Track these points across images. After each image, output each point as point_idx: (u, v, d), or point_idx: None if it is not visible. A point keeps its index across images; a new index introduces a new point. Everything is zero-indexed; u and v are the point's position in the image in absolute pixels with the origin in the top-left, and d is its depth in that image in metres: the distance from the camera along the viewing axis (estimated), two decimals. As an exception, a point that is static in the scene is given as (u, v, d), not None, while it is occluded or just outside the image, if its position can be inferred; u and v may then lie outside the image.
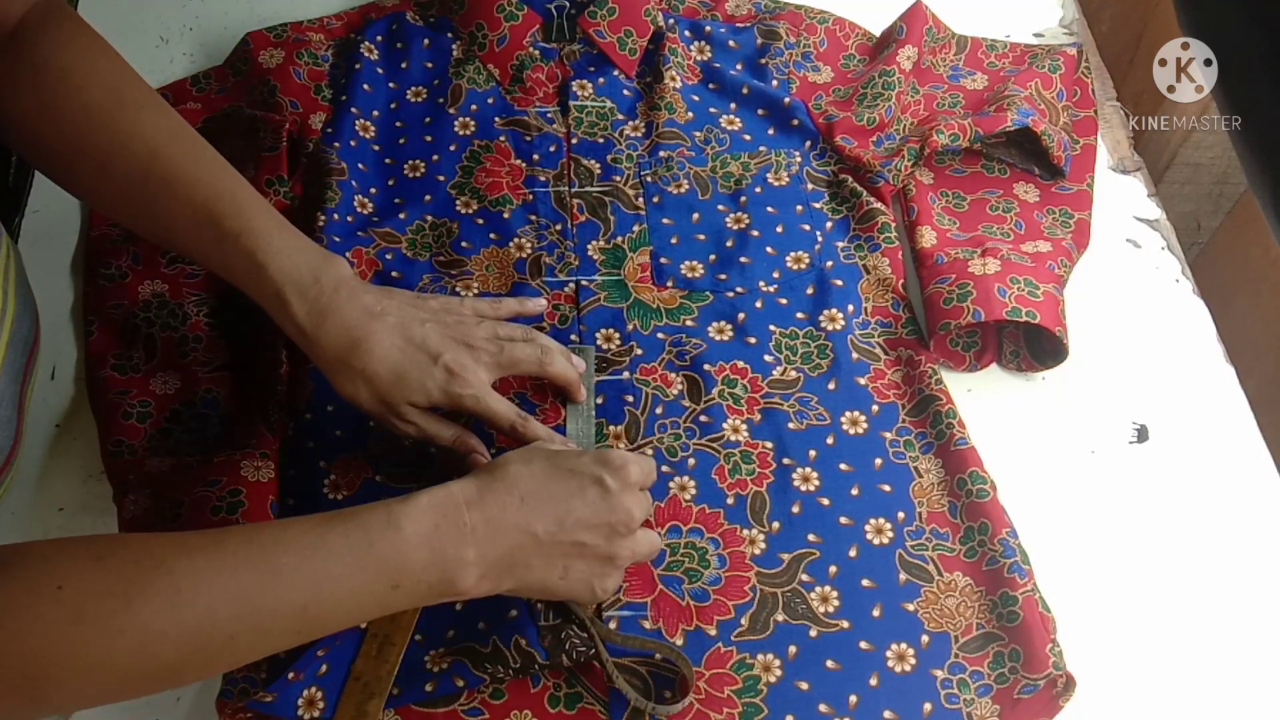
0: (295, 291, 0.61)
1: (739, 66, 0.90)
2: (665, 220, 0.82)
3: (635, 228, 0.81)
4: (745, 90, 0.88)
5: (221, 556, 0.50)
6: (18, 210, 0.83)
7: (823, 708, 0.62)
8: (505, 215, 0.81)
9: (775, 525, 0.68)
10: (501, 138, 0.85)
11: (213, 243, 0.61)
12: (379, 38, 0.90)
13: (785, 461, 0.70)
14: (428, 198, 0.82)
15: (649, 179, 0.83)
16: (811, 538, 0.68)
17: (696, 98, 0.88)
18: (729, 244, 0.80)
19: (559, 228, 0.81)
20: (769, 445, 0.71)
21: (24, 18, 0.63)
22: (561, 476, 0.58)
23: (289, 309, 0.61)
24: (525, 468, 0.58)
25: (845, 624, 0.65)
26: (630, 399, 0.73)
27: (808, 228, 0.81)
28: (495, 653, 0.61)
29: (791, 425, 0.72)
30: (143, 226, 0.66)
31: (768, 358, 0.75)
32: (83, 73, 0.62)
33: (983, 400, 0.75)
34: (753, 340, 0.76)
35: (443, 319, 0.66)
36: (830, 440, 0.72)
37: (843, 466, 0.71)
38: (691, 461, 0.70)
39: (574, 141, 0.85)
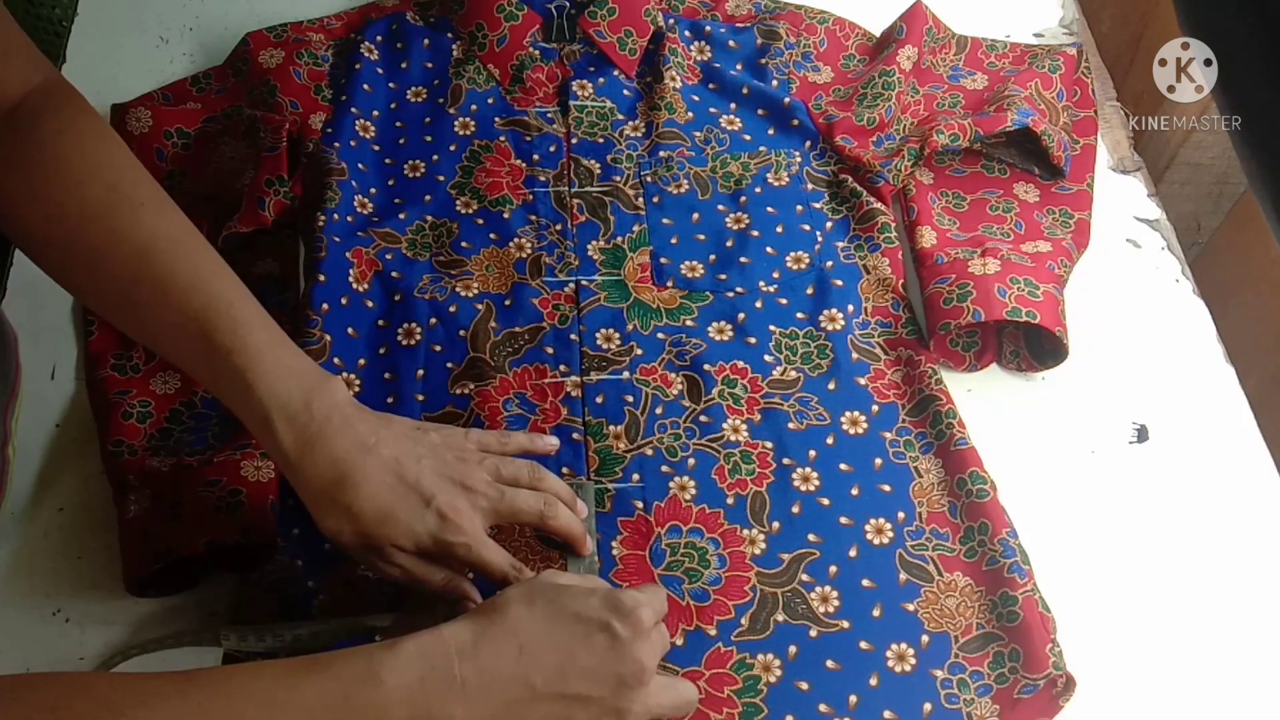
0: (283, 417, 0.57)
1: (739, 66, 0.90)
2: (665, 220, 0.82)
3: (635, 228, 0.81)
4: (745, 90, 0.88)
5: (184, 710, 0.47)
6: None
7: (823, 708, 0.62)
8: (505, 215, 0.81)
9: (775, 525, 0.68)
10: (501, 138, 0.85)
11: (202, 356, 0.58)
12: (379, 38, 0.90)
13: (785, 461, 0.70)
14: (428, 198, 0.82)
15: (649, 179, 0.83)
16: (811, 538, 0.68)
17: (696, 98, 0.88)
18: (729, 244, 0.80)
19: (559, 228, 0.81)
20: (769, 445, 0.71)
21: (24, 99, 0.60)
22: (566, 622, 0.53)
23: (275, 436, 0.57)
24: (527, 610, 0.53)
25: (845, 624, 0.65)
26: (630, 399, 0.73)
27: (808, 228, 0.81)
28: None
29: (791, 425, 0.72)
30: (131, 329, 0.63)
31: (768, 358, 0.75)
32: (80, 164, 0.59)
33: (983, 400, 0.75)
34: (753, 340, 0.76)
35: (441, 455, 0.60)
36: (830, 440, 0.72)
37: (843, 466, 0.71)
38: (691, 461, 0.70)
39: (574, 141, 0.85)
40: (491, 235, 0.80)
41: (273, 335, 0.59)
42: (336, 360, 0.74)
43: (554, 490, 0.63)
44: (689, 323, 0.77)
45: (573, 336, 0.75)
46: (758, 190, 0.83)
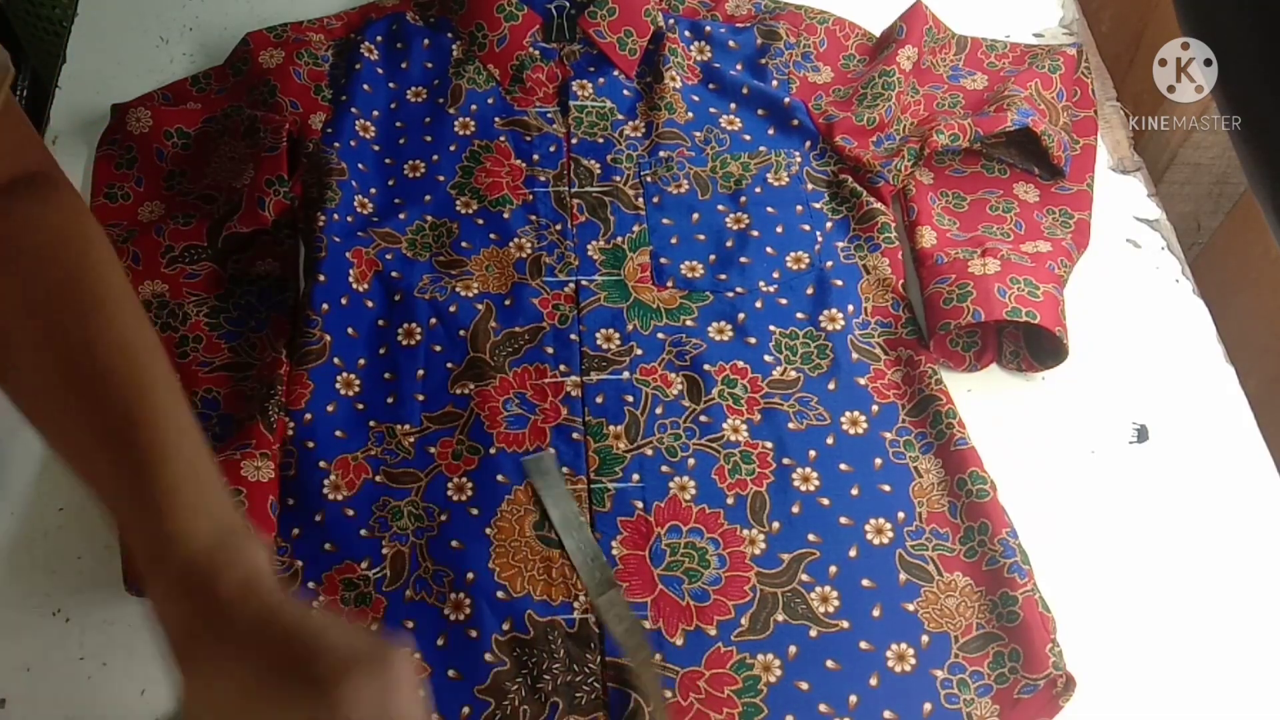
0: (182, 548, 0.46)
1: (739, 67, 0.90)
2: (665, 220, 0.82)
3: (635, 228, 0.81)
4: (745, 90, 0.88)
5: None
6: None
7: (823, 708, 0.62)
8: (505, 215, 0.81)
9: (775, 525, 0.68)
10: (501, 138, 0.85)
11: (121, 431, 0.49)
12: (379, 38, 0.90)
13: (785, 461, 0.70)
14: (428, 198, 0.82)
15: (649, 179, 0.83)
16: (811, 538, 0.68)
17: (696, 98, 0.88)
18: (729, 244, 0.80)
19: (559, 228, 0.81)
20: (769, 445, 0.71)
21: (3, 186, 0.56)
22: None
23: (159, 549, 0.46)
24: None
25: (845, 624, 0.65)
26: (630, 399, 0.73)
27: (808, 228, 0.81)
28: None
29: (791, 425, 0.72)
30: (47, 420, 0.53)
31: (768, 358, 0.75)
32: (45, 256, 0.54)
33: (983, 400, 0.75)
34: (753, 340, 0.76)
35: None
36: (830, 440, 0.72)
37: (843, 466, 0.71)
38: (691, 461, 0.70)
39: (574, 141, 0.85)
40: (491, 235, 0.80)
41: (211, 461, 0.51)
42: (336, 360, 0.74)
43: None
44: (689, 323, 0.77)
45: (573, 336, 0.75)
46: (758, 190, 0.83)
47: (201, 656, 0.45)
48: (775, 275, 0.79)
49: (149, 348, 0.53)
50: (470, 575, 0.65)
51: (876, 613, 0.65)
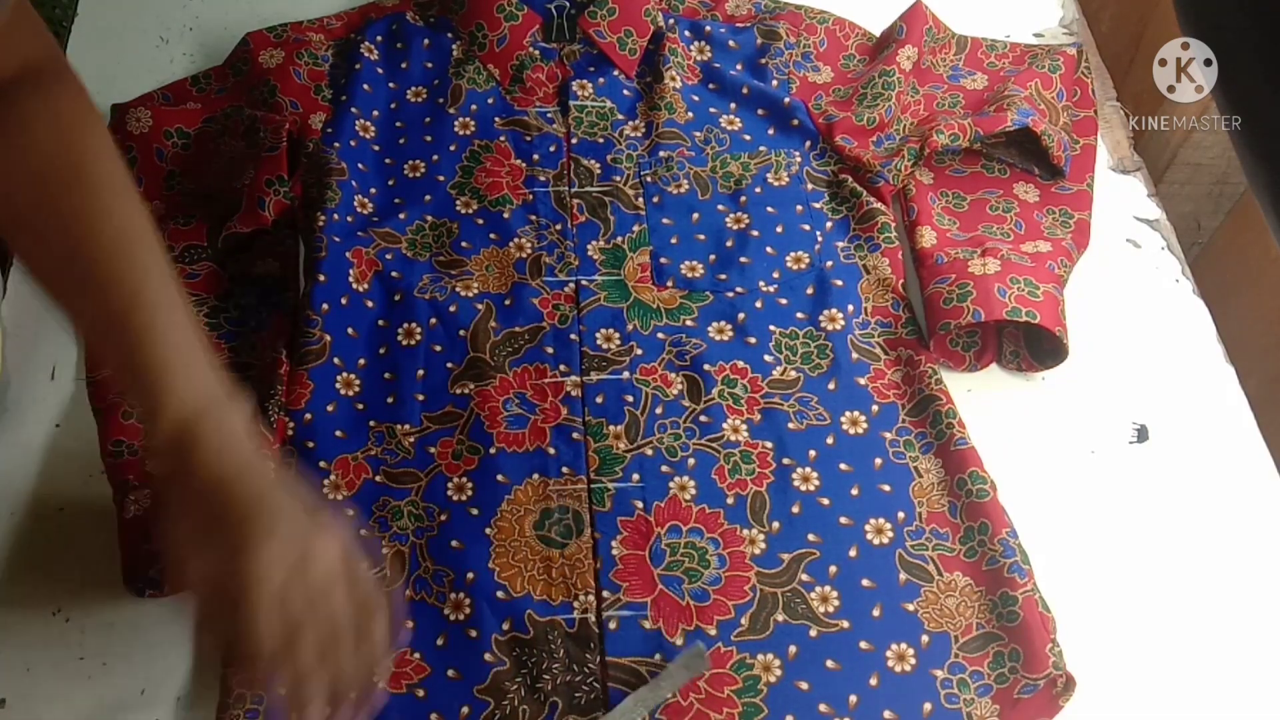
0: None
1: (739, 66, 0.90)
2: (665, 220, 0.82)
3: (635, 228, 0.81)
4: (745, 90, 0.88)
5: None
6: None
7: (823, 708, 0.62)
8: (505, 215, 0.81)
9: (775, 525, 0.68)
10: (501, 138, 0.85)
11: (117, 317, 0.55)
12: (379, 38, 0.90)
13: (785, 461, 0.70)
14: (428, 198, 0.82)
15: (649, 179, 0.83)
16: (811, 538, 0.68)
17: (696, 98, 0.88)
18: (729, 244, 0.80)
19: (559, 228, 0.81)
20: (769, 445, 0.71)
21: (19, 75, 0.60)
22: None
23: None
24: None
25: (845, 624, 0.65)
26: (630, 399, 0.73)
27: (808, 228, 0.81)
28: None
29: (791, 425, 0.72)
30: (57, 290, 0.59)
31: (768, 358, 0.75)
32: (51, 151, 0.58)
33: (983, 400, 0.75)
34: (753, 340, 0.76)
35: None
36: (830, 440, 0.72)
37: (843, 466, 0.71)
38: (691, 461, 0.70)
39: (574, 141, 0.85)
40: (491, 235, 0.80)
41: (199, 336, 0.57)
42: (336, 360, 0.74)
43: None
44: (689, 323, 0.77)
45: (573, 336, 0.75)
46: (758, 190, 0.83)
47: (173, 501, 0.54)
48: (775, 275, 0.79)
49: (143, 233, 0.58)
50: (470, 575, 0.65)
51: (876, 613, 0.65)
